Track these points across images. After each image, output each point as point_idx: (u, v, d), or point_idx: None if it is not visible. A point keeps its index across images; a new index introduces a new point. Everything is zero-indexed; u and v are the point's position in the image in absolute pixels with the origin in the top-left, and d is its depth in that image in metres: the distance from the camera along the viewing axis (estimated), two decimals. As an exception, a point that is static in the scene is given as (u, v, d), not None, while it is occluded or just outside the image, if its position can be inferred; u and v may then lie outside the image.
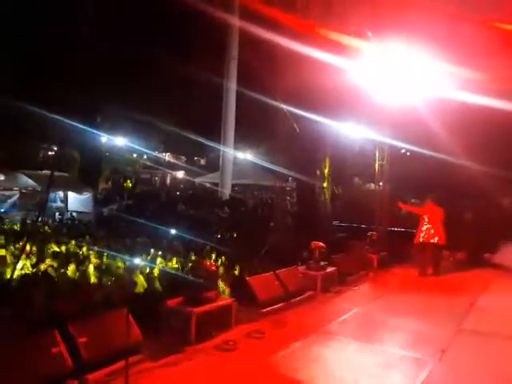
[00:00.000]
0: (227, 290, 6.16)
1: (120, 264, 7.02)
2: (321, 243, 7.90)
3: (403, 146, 14.45)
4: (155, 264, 7.19)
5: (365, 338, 5.41)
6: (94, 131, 18.77)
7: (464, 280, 9.03)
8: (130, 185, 24.59)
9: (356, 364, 4.69)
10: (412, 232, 11.96)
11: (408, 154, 16.88)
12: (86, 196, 16.18)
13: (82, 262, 7.09)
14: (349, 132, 13.25)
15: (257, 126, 18.88)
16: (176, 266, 7.27)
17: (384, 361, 4.74)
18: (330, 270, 7.94)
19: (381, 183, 13.11)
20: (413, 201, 17.57)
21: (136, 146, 24.10)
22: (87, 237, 9.72)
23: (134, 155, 27.64)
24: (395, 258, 10.53)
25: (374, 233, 10.68)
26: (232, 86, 14.43)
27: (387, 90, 10.69)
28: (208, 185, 21.66)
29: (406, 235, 12.33)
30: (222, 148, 16.08)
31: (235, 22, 13.13)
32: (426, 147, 12.59)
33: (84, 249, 8.29)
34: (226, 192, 16.28)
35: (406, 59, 10.05)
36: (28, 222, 11.52)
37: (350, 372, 4.46)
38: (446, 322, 6.05)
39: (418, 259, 9.78)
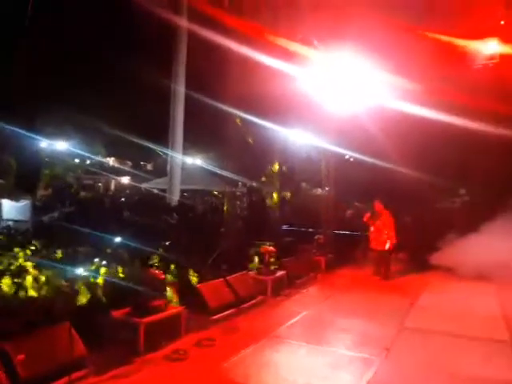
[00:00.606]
0: (176, 298, 6.02)
1: (61, 275, 6.65)
2: (271, 248, 7.98)
3: (347, 152, 14.98)
4: (99, 274, 6.88)
5: (314, 340, 5.50)
6: (33, 136, 17.75)
7: (405, 279, 9.49)
8: (72, 191, 23.48)
9: (306, 366, 4.75)
10: (357, 234, 12.44)
11: (351, 160, 17.49)
12: (24, 203, 15.21)
13: (18, 274, 6.64)
14: (297, 138, 13.53)
15: (207, 131, 18.73)
16: (122, 275, 7.00)
17: (333, 362, 4.85)
18: (279, 273, 8.03)
19: (327, 188, 13.49)
20: (356, 204, 18.27)
21: (78, 151, 23.09)
22: (24, 247, 9.14)
23: (77, 160, 26.46)
24: (342, 260, 10.87)
25: (321, 236, 10.95)
26: (180, 89, 14.21)
27: (332, 98, 11.06)
28: (155, 190, 21.17)
29: (351, 238, 12.80)
30: (170, 153, 15.75)
31: (183, 23, 12.97)
32: (368, 154, 13.15)
33: (21, 260, 7.77)
34: (175, 198, 15.96)
35: (350, 68, 10.47)
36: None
37: (301, 375, 4.52)
38: (389, 321, 6.30)
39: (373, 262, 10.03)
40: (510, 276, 8.20)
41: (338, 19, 9.67)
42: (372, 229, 9.70)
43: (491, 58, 10.13)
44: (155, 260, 8.28)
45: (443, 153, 13.15)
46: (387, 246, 9.39)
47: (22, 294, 5.72)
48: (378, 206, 9.70)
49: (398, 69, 9.89)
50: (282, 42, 9.89)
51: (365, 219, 9.93)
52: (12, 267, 7.12)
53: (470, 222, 10.75)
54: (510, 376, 4.58)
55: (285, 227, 13.54)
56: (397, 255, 11.68)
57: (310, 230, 12.96)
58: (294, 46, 9.96)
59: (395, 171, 13.10)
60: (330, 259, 10.31)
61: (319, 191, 20.13)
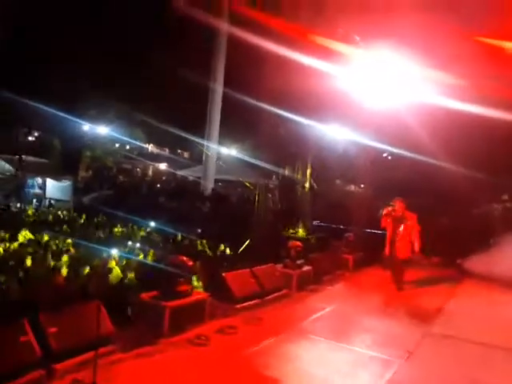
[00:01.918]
0: (203, 285, 6.18)
1: (96, 255, 6.97)
2: (298, 242, 8.00)
3: (386, 149, 14.68)
4: (132, 256, 7.15)
5: (336, 337, 5.50)
6: (76, 119, 18.48)
7: (436, 284, 9.23)
8: (111, 174, 24.30)
9: (326, 361, 4.78)
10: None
11: (389, 157, 17.12)
12: (65, 184, 15.94)
13: (57, 251, 7.01)
14: (333, 134, 13.38)
15: (242, 124, 18.89)
16: (153, 258, 7.25)
17: (353, 359, 4.85)
18: (306, 268, 8.04)
19: (362, 185, 13.31)
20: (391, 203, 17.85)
21: (119, 136, 23.82)
22: (65, 226, 9.60)
23: (117, 145, 27.31)
24: (371, 260, 10.71)
25: (351, 234, 10.83)
26: (218, 82, 14.41)
27: (373, 94, 10.85)
28: (191, 178, 21.57)
29: (383, 237, 12.56)
30: (206, 142, 16.02)
31: (224, 24, 13.12)
32: (409, 151, 12.82)
33: (60, 238, 8.18)
34: (209, 186, 16.25)
35: (392, 64, 10.22)
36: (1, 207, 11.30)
37: (321, 369, 4.55)
38: (414, 325, 6.20)
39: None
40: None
41: (382, 17, 9.46)
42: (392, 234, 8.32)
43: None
44: (186, 246, 8.53)
45: (489, 152, 12.64)
46: (401, 254, 8.17)
47: (59, 270, 6.04)
48: (400, 206, 8.28)
49: (442, 65, 9.58)
50: (321, 40, 9.78)
51: (382, 223, 8.54)
52: (53, 245, 7.54)
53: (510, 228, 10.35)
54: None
55: (316, 223, 13.48)
56: (429, 259, 11.41)
57: (341, 226, 12.85)
58: (334, 44, 9.84)
59: (435, 170, 12.74)
60: (358, 258, 10.18)
61: (353, 188, 19.89)
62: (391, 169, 15.57)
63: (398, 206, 8.28)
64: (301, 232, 10.93)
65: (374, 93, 10.81)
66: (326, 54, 10.02)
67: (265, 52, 10.57)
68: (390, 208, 8.41)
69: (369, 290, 8.23)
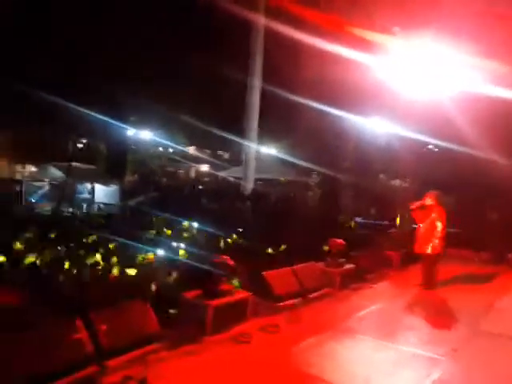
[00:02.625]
0: (244, 284, 6.27)
1: (143, 255, 7.23)
2: (339, 240, 7.92)
3: (431, 141, 14.21)
4: (177, 256, 7.37)
5: (379, 335, 5.43)
6: (121, 124, 19.20)
7: (486, 280, 8.85)
8: (156, 178, 25.05)
9: (369, 361, 4.73)
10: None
11: (436, 150, 16.56)
12: (113, 188, 16.63)
13: (107, 252, 7.34)
14: (374, 127, 13.12)
15: (281, 121, 18.91)
16: (196, 258, 7.42)
17: (397, 358, 4.77)
18: (348, 267, 7.96)
19: (407, 180, 12.96)
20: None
21: (162, 140, 24.50)
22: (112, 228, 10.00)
23: (160, 149, 28.10)
24: (416, 257, 10.40)
25: (395, 230, 10.58)
26: (256, 80, 14.45)
27: (414, 85, 10.55)
28: (231, 179, 21.83)
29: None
30: (245, 142, 16.15)
31: (260, 18, 13.13)
32: (455, 143, 12.33)
33: (109, 240, 8.54)
34: (249, 186, 16.36)
35: (433, 54, 9.88)
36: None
37: (364, 368, 4.52)
38: (462, 322, 6.01)
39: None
40: None
41: (422, 6, 9.17)
42: (420, 227, 8.11)
43: None
44: (228, 246, 8.66)
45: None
46: (429, 250, 7.82)
47: (108, 269, 6.33)
48: (430, 200, 8.01)
49: (487, 52, 9.15)
50: (360, 31, 9.62)
51: (412, 214, 8.40)
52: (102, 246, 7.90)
53: None
54: None
55: (359, 219, 13.27)
56: (479, 254, 10.95)
57: (386, 223, 12.58)
58: (373, 35, 9.64)
59: (486, 161, 12.18)
60: (403, 255, 9.93)
61: (397, 183, 19.37)
62: (437, 162, 15.05)
63: (428, 199, 8.03)
64: (342, 229, 10.79)
65: (416, 83, 10.50)
66: (365, 45, 9.85)
67: (302, 46, 10.54)
68: (417, 203, 8.22)
69: (414, 287, 8.01)
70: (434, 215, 7.85)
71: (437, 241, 7.76)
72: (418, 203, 8.29)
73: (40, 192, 15.89)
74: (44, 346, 3.78)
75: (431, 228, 7.81)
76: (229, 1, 11.85)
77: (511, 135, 11.55)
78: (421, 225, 8.08)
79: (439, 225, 7.76)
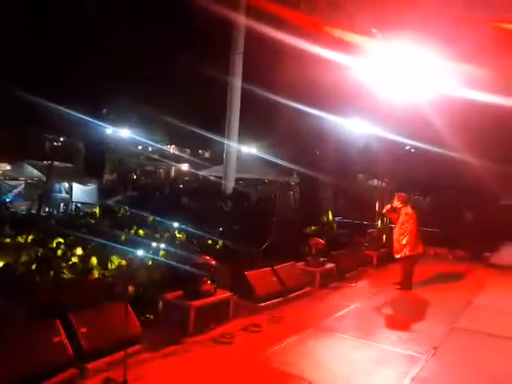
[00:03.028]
0: (225, 284, 6.26)
1: (122, 256, 7.14)
2: (320, 240, 8.00)
3: (408, 143, 14.47)
4: (157, 256, 7.30)
5: (359, 334, 5.51)
6: (99, 123, 18.90)
7: (462, 278, 9.10)
8: (135, 177, 24.77)
9: (350, 359, 4.79)
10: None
11: (413, 150, 16.87)
12: (91, 187, 16.35)
13: (85, 253, 7.21)
14: (353, 128, 13.27)
15: (262, 121, 18.97)
16: (177, 258, 7.37)
17: (377, 357, 4.84)
18: (328, 266, 8.05)
19: (385, 180, 13.16)
20: (416, 197, 17.62)
21: (141, 139, 24.23)
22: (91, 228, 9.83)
23: (139, 147, 27.79)
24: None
25: (375, 230, 10.74)
26: (237, 80, 14.46)
27: (392, 87, 10.72)
28: (212, 178, 21.76)
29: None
30: (226, 142, 16.12)
31: (241, 17, 13.14)
32: (431, 144, 12.61)
33: (87, 240, 8.40)
34: (230, 186, 16.34)
35: (412, 56, 10.07)
36: (32, 211, 11.67)
37: (344, 367, 4.57)
38: (440, 320, 6.14)
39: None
40: None
41: (400, 9, 9.33)
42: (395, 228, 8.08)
43: None
44: (208, 245, 8.63)
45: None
46: (400, 255, 7.78)
47: (87, 272, 6.23)
48: (399, 201, 8.00)
49: (463, 56, 9.39)
50: (339, 33, 9.73)
51: (384, 212, 8.65)
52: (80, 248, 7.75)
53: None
54: None
55: (338, 219, 13.42)
56: (454, 252, 11.23)
57: (365, 222, 12.76)
58: (352, 37, 9.76)
59: (459, 163, 12.50)
60: (382, 254, 10.09)
61: (375, 183, 19.65)
62: (414, 163, 15.36)
63: (396, 202, 8.04)
64: (322, 229, 10.89)
65: (394, 86, 10.68)
66: (344, 47, 9.96)
67: (283, 46, 10.57)
68: (388, 206, 8.39)
69: (392, 286, 8.16)
70: (402, 217, 7.84)
71: (405, 241, 7.66)
72: (388, 207, 8.43)
73: (15, 191, 15.49)
74: (22, 349, 3.69)
75: (402, 229, 7.80)
76: (210, 0, 11.81)
77: (488, 138, 11.89)
78: (395, 227, 8.10)
79: (408, 226, 7.70)
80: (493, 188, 12.44)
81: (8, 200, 14.85)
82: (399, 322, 6.13)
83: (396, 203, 8.04)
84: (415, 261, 7.98)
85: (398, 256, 7.87)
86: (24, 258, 6.40)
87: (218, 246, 8.42)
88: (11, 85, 14.56)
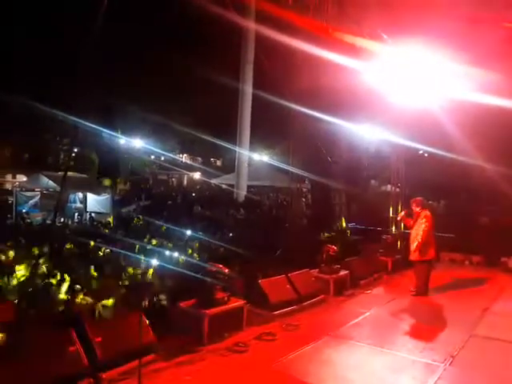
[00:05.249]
0: (239, 292, 6.24)
1: (136, 265, 7.18)
2: (334, 246, 7.93)
3: (420, 147, 14.34)
4: (170, 265, 7.32)
5: (375, 342, 5.43)
6: (112, 133, 19.15)
7: (479, 284, 8.91)
8: (148, 186, 24.96)
9: (366, 368, 4.72)
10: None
11: (426, 155, 16.71)
12: (105, 197, 16.50)
13: (100, 263, 7.26)
14: (365, 133, 13.21)
15: (273, 128, 19.01)
16: (190, 267, 7.38)
17: (394, 365, 4.77)
18: (342, 273, 7.97)
19: (399, 185, 13.03)
20: (430, 203, 17.38)
21: (153, 148, 24.46)
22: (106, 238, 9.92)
23: (152, 157, 28.06)
24: (410, 262, 10.46)
25: (389, 236, 10.63)
26: (247, 88, 14.54)
27: (403, 92, 10.65)
28: (224, 186, 21.83)
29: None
30: (237, 149, 16.18)
31: (251, 25, 13.23)
32: (444, 149, 12.46)
33: (103, 249, 8.48)
34: (242, 193, 16.37)
35: (422, 61, 10.00)
36: (48, 221, 11.82)
37: (360, 375, 4.51)
38: (458, 327, 6.01)
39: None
40: None
41: (410, 12, 9.28)
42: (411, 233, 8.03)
43: None
44: (222, 254, 8.64)
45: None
46: (421, 256, 7.68)
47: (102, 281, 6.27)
48: (416, 206, 8.02)
49: (475, 60, 9.28)
50: (349, 37, 9.71)
51: (399, 218, 8.80)
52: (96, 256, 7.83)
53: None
54: None
55: (351, 225, 13.32)
56: (470, 258, 11.03)
57: (379, 228, 12.62)
58: (362, 41, 9.74)
59: (474, 168, 12.32)
60: (397, 260, 9.97)
61: (389, 188, 19.48)
62: (427, 167, 15.19)
63: (414, 206, 8.05)
64: (335, 236, 10.81)
65: (406, 90, 10.61)
66: (354, 52, 9.94)
67: (294, 53, 10.60)
68: (403, 212, 8.58)
69: (408, 293, 8.03)
70: (420, 221, 7.80)
71: (417, 243, 7.63)
72: (403, 213, 8.56)
73: (31, 202, 15.71)
74: (37, 358, 3.73)
75: (416, 231, 7.77)
76: (220, 9, 11.92)
77: (502, 143, 11.72)
78: (412, 231, 8.03)
79: (425, 229, 7.64)
80: (508, 192, 12.23)
81: (24, 211, 15.08)
82: (416, 330, 6.02)
83: (414, 208, 8.02)
84: (431, 266, 7.90)
85: (411, 258, 7.88)
86: (40, 269, 6.48)
87: (230, 254, 8.41)
88: (25, 97, 14.86)
